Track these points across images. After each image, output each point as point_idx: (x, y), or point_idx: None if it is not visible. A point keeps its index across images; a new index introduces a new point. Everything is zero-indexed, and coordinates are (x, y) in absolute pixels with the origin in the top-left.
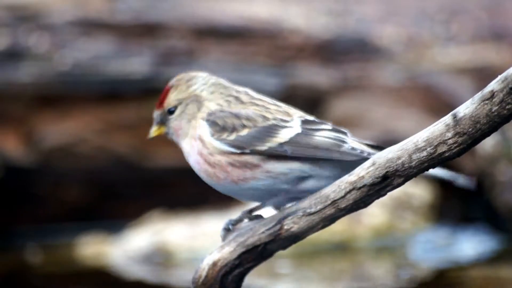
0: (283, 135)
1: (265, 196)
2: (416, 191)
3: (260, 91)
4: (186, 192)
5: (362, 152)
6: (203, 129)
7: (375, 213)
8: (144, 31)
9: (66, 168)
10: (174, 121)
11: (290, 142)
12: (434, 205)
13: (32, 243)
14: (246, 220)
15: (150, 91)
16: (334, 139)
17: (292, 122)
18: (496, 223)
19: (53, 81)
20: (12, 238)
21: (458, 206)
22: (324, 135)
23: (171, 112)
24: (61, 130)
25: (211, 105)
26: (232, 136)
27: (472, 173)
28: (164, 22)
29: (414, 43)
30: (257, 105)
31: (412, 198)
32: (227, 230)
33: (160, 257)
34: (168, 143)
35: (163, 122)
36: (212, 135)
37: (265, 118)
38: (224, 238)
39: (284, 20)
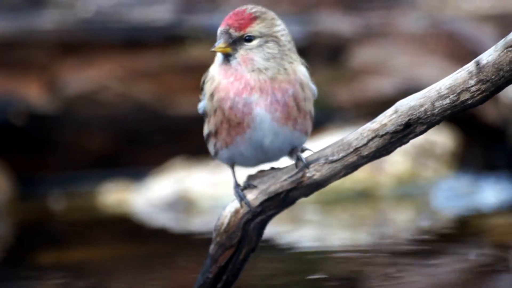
0: None
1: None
2: (439, 139)
3: None
4: None
5: None
6: (305, 74)
7: (398, 161)
8: None
9: (89, 116)
10: (248, 50)
11: None
12: (457, 153)
13: (55, 191)
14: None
15: (173, 38)
16: None
17: None
18: None
19: (75, 28)
20: (35, 185)
21: (480, 154)
22: None
23: (248, 40)
24: (84, 78)
25: (293, 55)
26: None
27: (494, 120)
28: None
29: None
30: None
31: (434, 146)
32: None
33: (182, 204)
34: (190, 90)
35: (234, 44)
36: (310, 80)
37: None
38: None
39: None
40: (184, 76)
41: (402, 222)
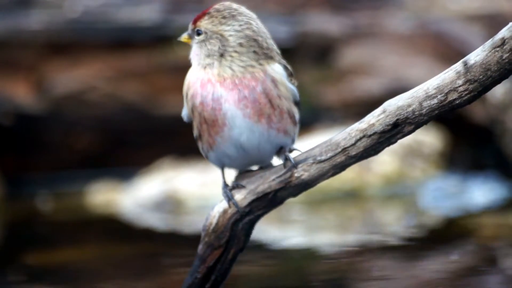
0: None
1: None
2: (427, 138)
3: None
4: None
5: None
6: (278, 71)
7: (386, 161)
8: None
9: (77, 116)
10: (195, 44)
11: None
12: (445, 152)
13: (43, 191)
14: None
15: (160, 38)
16: None
17: None
18: (506, 171)
19: (63, 29)
20: (23, 185)
21: (468, 153)
22: None
23: (198, 33)
24: (72, 78)
25: (244, 58)
26: (295, 84)
27: (482, 120)
28: None
29: None
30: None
31: (422, 146)
32: None
33: (171, 204)
34: (178, 90)
35: (191, 37)
36: (287, 79)
37: None
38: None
39: None
40: (171, 76)
41: (390, 222)
